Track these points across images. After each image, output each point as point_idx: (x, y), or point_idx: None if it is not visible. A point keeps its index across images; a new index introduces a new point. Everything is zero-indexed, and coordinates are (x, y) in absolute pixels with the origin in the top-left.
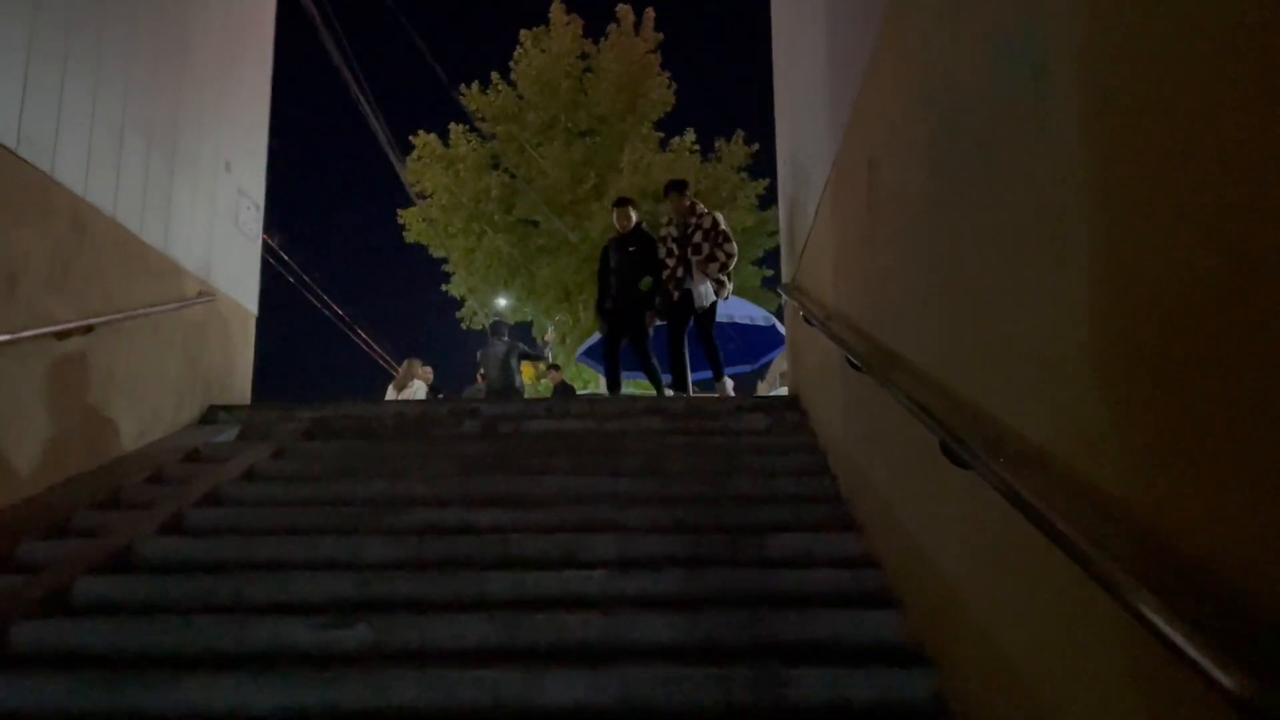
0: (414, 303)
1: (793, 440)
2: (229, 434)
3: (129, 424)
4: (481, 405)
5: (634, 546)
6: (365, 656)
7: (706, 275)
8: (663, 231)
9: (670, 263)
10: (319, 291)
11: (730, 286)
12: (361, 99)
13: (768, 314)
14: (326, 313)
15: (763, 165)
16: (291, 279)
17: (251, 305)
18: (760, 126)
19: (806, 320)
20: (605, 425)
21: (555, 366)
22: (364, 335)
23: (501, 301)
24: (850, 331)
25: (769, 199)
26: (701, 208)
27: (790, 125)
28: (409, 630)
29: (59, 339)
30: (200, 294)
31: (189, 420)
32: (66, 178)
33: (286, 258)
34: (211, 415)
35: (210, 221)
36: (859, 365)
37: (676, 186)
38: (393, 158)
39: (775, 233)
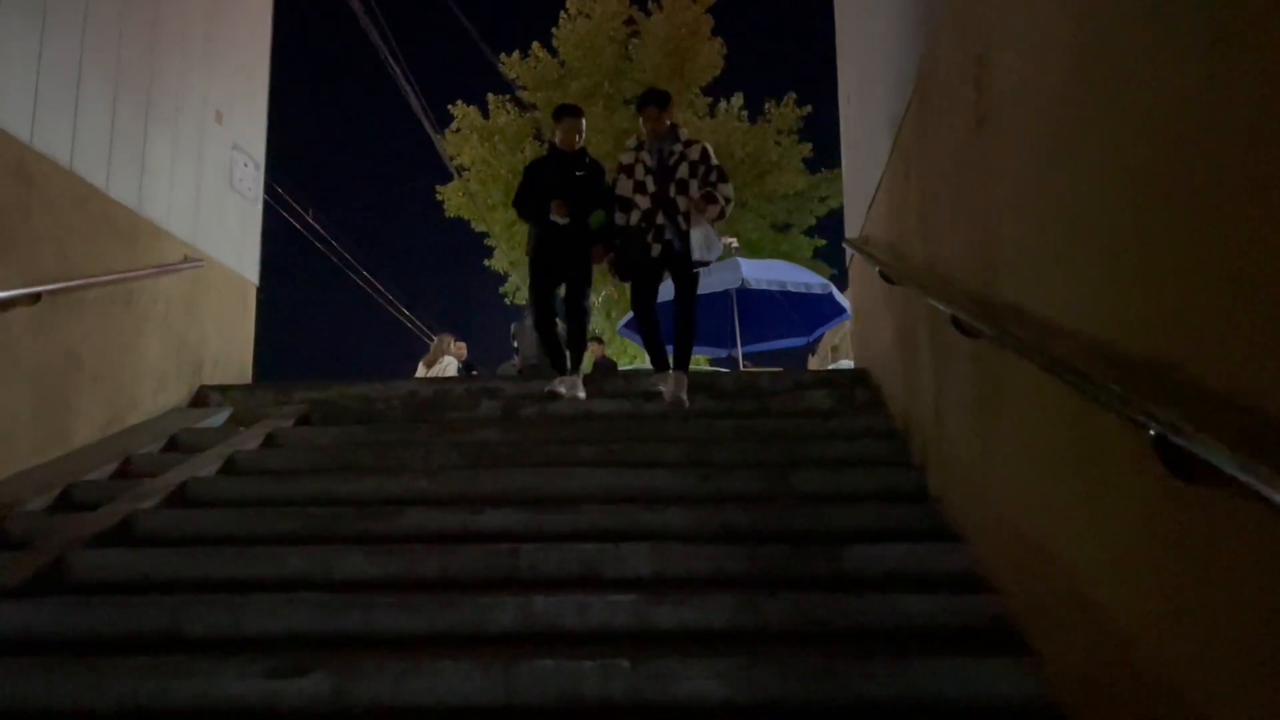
0: (458, 279)
1: (864, 423)
2: (218, 419)
3: (95, 409)
4: (505, 385)
5: (673, 560)
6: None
7: (705, 221)
8: (625, 159)
9: (641, 203)
10: (359, 269)
11: (720, 247)
12: (398, 72)
13: (824, 280)
14: (370, 291)
15: (813, 129)
16: (336, 260)
17: (251, 274)
18: (812, 88)
19: (884, 277)
20: (644, 407)
21: (597, 339)
22: (404, 311)
23: None
24: (942, 285)
25: (817, 162)
26: (686, 133)
27: (855, 52)
28: (377, 682)
29: None
30: (186, 260)
31: (174, 404)
32: (4, 121)
33: (324, 233)
34: (202, 397)
35: (197, 179)
36: (968, 328)
37: (655, 99)
38: (430, 131)
39: (826, 198)
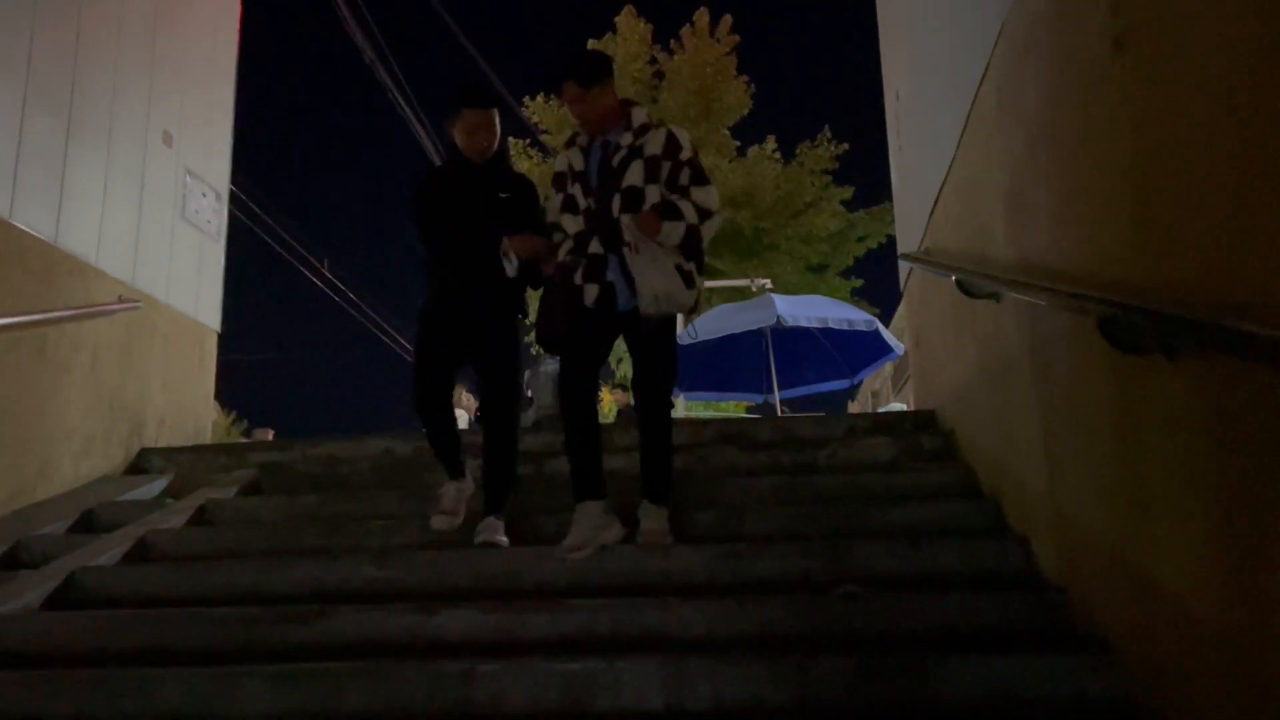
0: None
1: (936, 478)
2: (153, 488)
3: None
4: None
5: (694, 683)
6: None
7: (658, 247)
8: (558, 164)
9: (570, 226)
10: (380, 322)
11: (700, 287)
12: (410, 115)
13: (869, 316)
14: (390, 342)
15: (850, 168)
16: (354, 312)
17: (211, 318)
18: (848, 127)
19: (963, 290)
20: None
21: (622, 387)
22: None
23: None
24: (1067, 284)
25: (854, 201)
26: (644, 114)
27: (907, 34)
28: None
29: None
30: (121, 301)
31: (104, 471)
32: None
33: (333, 278)
34: (142, 463)
35: (137, 208)
36: (1132, 339)
37: (573, 70)
38: None
39: (865, 238)
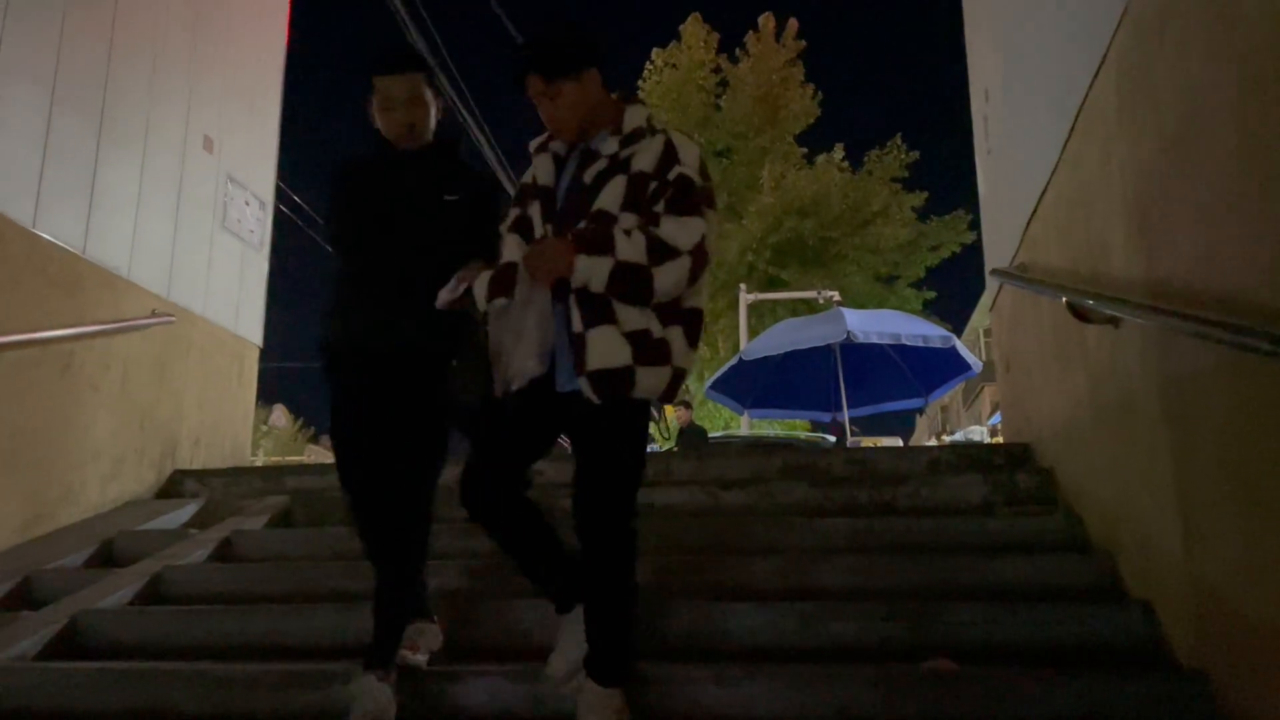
0: None
1: (1036, 526)
2: (180, 516)
3: (9, 506)
4: (545, 468)
5: None
6: None
7: (621, 303)
8: (525, 176)
9: (513, 256)
10: None
11: (683, 365)
12: (474, 129)
13: (945, 332)
14: None
15: (921, 175)
16: None
17: (252, 334)
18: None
19: (1075, 313)
20: (722, 498)
21: (684, 404)
22: None
23: None
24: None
25: (926, 209)
26: (645, 115)
27: (999, 28)
28: None
29: None
30: (154, 315)
31: (133, 494)
32: None
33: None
34: (174, 486)
35: (174, 217)
36: None
37: (556, 57)
38: (512, 192)
39: (938, 246)
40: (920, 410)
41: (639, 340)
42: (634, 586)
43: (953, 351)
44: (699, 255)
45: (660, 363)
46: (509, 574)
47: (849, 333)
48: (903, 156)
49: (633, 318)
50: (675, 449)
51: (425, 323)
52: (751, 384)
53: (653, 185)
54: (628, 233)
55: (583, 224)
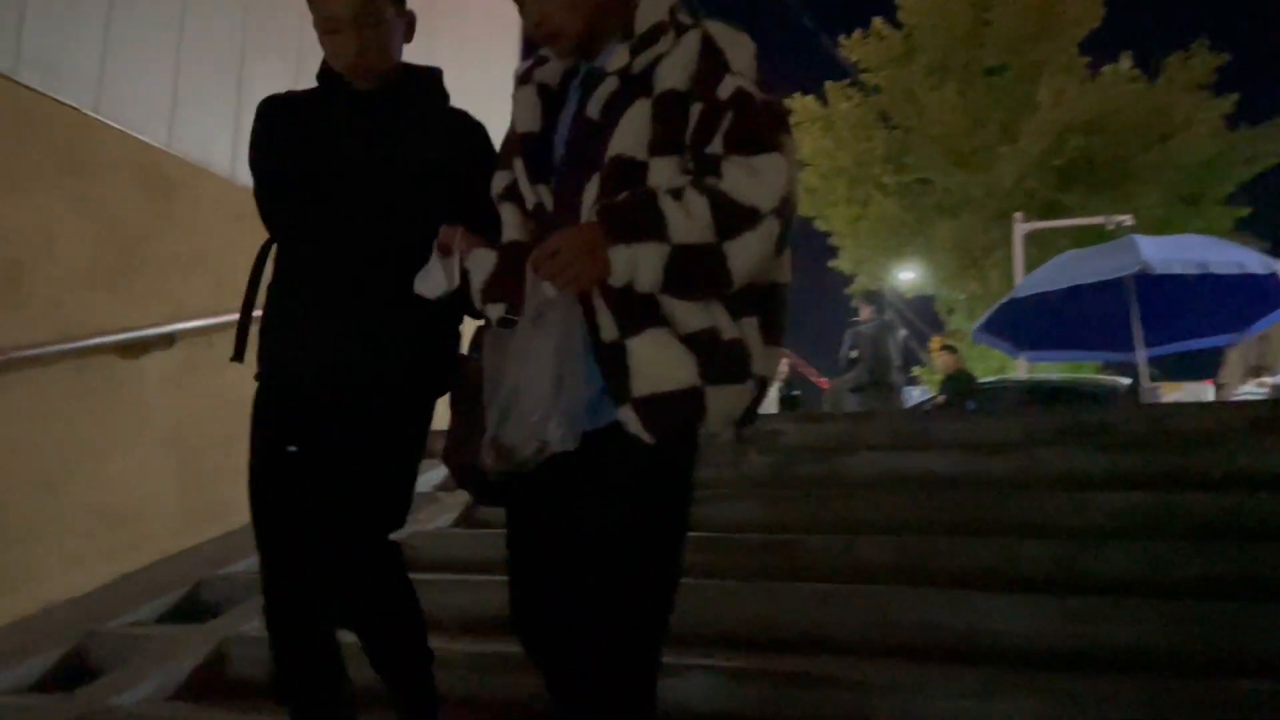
0: (792, 287)
1: None
2: (432, 478)
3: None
4: (788, 427)
5: None
6: None
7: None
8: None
9: (484, 264)
10: None
11: (767, 373)
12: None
13: (1264, 257)
14: None
15: (1230, 80)
16: None
17: None
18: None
19: None
20: (987, 464)
21: (949, 348)
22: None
23: (906, 275)
24: None
25: (1237, 117)
26: (666, 7)
27: None
28: None
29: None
30: None
31: None
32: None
33: None
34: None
35: None
36: None
37: None
38: None
39: (1252, 159)
40: (1216, 358)
41: (705, 345)
42: None
43: (1275, 278)
44: (785, 211)
45: (738, 376)
46: None
47: (1144, 264)
48: (1210, 60)
49: (692, 314)
50: (941, 398)
51: (391, 341)
52: (1028, 324)
53: (696, 110)
54: (678, 195)
55: (593, 182)
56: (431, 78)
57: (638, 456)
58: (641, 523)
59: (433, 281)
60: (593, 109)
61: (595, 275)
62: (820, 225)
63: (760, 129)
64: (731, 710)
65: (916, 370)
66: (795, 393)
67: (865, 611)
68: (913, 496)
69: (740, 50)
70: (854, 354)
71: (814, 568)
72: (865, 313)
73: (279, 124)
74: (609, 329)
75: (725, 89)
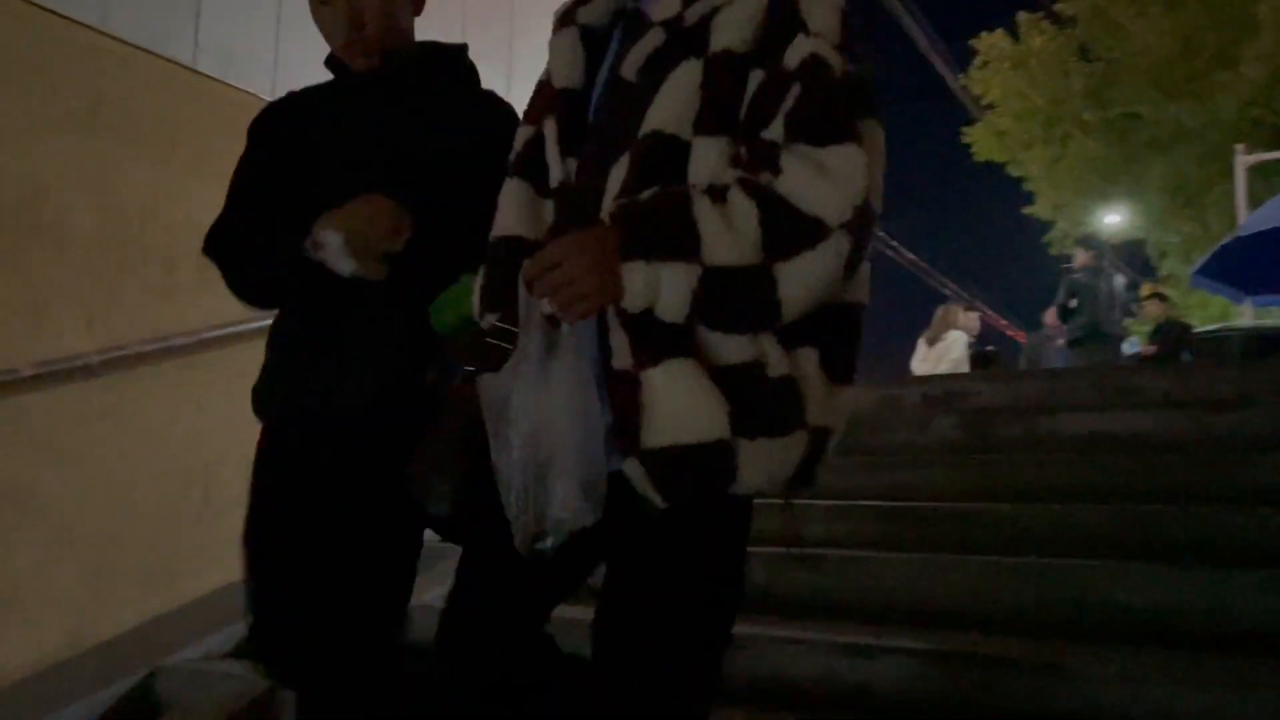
0: (983, 234)
1: None
2: None
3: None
4: (983, 387)
5: None
6: None
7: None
8: (543, 75)
9: (508, 222)
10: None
11: (824, 391)
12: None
13: None
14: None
15: None
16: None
17: None
18: None
19: None
20: (1213, 422)
21: (1158, 295)
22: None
23: (1112, 218)
24: None
25: None
26: None
27: None
28: None
29: None
30: None
31: None
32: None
33: None
34: None
35: None
36: None
37: None
38: (944, 71)
39: None
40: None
41: (743, 384)
42: None
43: None
44: (861, 223)
45: (783, 427)
46: None
47: None
48: None
49: (732, 341)
50: (1152, 349)
51: (401, 370)
52: (1254, 266)
53: (756, 78)
54: (719, 197)
55: (623, 159)
56: (451, 51)
57: (654, 522)
58: (655, 585)
59: (338, 262)
60: (629, 68)
61: (603, 299)
62: (1012, 170)
63: (836, 110)
64: (929, 696)
65: (1126, 322)
66: (989, 348)
67: (1074, 588)
68: (1120, 461)
69: (822, 3)
70: (1073, 303)
71: (1010, 539)
72: (1082, 258)
73: (275, 129)
74: (622, 353)
75: (795, 54)
